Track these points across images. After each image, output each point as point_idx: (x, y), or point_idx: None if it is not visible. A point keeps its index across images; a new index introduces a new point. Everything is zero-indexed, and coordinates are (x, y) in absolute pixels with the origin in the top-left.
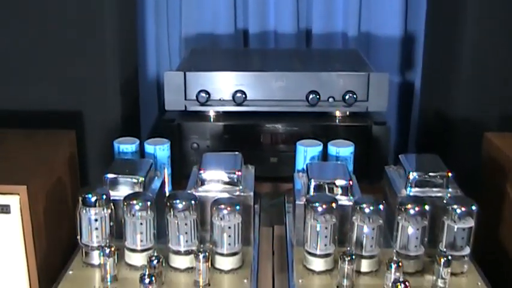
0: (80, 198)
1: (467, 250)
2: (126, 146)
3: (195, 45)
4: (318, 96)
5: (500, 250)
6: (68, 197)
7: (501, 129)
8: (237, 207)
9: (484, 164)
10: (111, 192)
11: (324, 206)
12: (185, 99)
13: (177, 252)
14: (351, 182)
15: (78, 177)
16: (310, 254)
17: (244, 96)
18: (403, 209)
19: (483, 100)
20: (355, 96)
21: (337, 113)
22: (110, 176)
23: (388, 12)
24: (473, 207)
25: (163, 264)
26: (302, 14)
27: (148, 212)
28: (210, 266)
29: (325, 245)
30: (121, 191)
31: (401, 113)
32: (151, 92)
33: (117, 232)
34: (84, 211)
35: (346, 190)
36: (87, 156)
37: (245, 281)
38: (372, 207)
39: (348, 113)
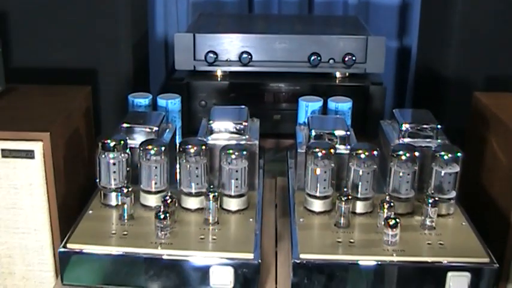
0: (100, 144)
1: (453, 194)
2: (140, 100)
3: (202, 10)
4: (319, 58)
5: (483, 193)
6: (84, 146)
7: (488, 88)
8: (243, 153)
9: (472, 119)
10: (130, 142)
11: (323, 152)
12: (194, 59)
13: (189, 194)
14: (348, 133)
15: (93, 128)
16: (310, 196)
17: (250, 57)
18: (395, 155)
19: (472, 62)
20: (354, 58)
21: (338, 74)
22: (126, 125)
23: None
24: (459, 154)
25: (176, 205)
26: None
27: (162, 157)
28: (218, 206)
29: (324, 188)
30: (136, 140)
31: (399, 75)
32: (160, 52)
33: (132, 177)
34: (103, 155)
35: (344, 140)
36: (102, 110)
37: (251, 219)
38: (366, 153)
39: (347, 74)
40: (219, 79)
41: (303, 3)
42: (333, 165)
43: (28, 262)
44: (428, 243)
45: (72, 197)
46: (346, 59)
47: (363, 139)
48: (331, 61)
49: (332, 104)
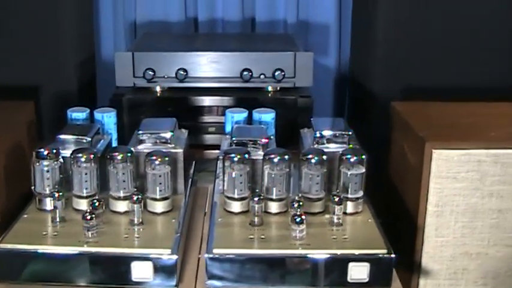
0: (34, 153)
1: (360, 193)
2: (78, 114)
3: (148, 31)
4: (250, 73)
5: (398, 195)
6: (26, 158)
7: (406, 98)
8: (166, 159)
9: (390, 127)
10: (63, 151)
11: (238, 157)
12: (133, 76)
13: (117, 198)
14: (267, 140)
15: (36, 140)
16: (228, 198)
17: (185, 73)
18: (305, 159)
19: (393, 74)
20: (283, 73)
21: (270, 88)
22: (61, 136)
23: (325, 0)
24: (363, 157)
25: (104, 208)
26: (247, 2)
27: (92, 164)
28: (142, 208)
29: (241, 190)
30: (71, 150)
31: (338, 89)
32: (110, 71)
33: (67, 184)
34: (37, 163)
35: (264, 147)
36: (45, 125)
37: (173, 220)
38: (279, 157)
39: (278, 88)
40: (158, 95)
41: (246, 23)
42: (248, 168)
43: None
44: (334, 238)
45: (15, 207)
46: (276, 74)
47: (290, 147)
48: (261, 76)
49: (256, 115)
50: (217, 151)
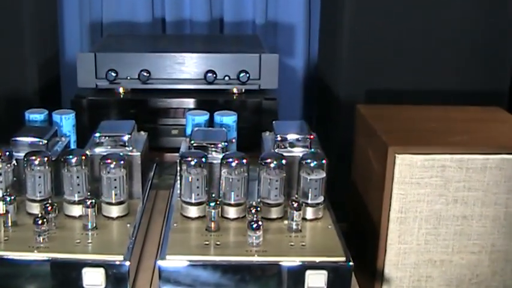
0: None
1: (321, 198)
2: (36, 115)
3: (111, 32)
4: (214, 75)
5: (361, 200)
6: None
7: (371, 102)
8: (121, 162)
9: (355, 130)
10: (17, 154)
11: (195, 160)
12: (96, 77)
13: (72, 202)
14: (226, 143)
15: None
16: (185, 202)
17: (148, 75)
18: (263, 163)
19: (358, 77)
20: (248, 75)
21: (234, 90)
22: (16, 138)
23: (293, 2)
24: (324, 161)
25: (58, 212)
26: (215, 3)
27: (46, 167)
28: (96, 212)
29: (198, 195)
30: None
31: (306, 92)
32: (72, 72)
33: (20, 187)
34: None
35: (224, 150)
36: (3, 125)
37: (128, 225)
38: (236, 161)
39: (243, 90)
40: (121, 96)
41: (214, 24)
42: (205, 172)
43: None
44: (291, 245)
45: None
46: (241, 75)
47: (253, 151)
48: (226, 78)
49: (217, 118)
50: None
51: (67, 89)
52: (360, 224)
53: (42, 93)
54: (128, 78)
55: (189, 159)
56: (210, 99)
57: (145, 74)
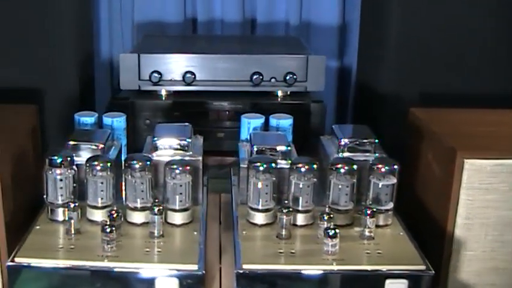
0: (47, 160)
1: (390, 205)
2: (86, 118)
3: (147, 32)
4: (261, 77)
5: (419, 205)
6: (30, 163)
7: (421, 104)
8: (187, 168)
9: (408, 134)
10: (76, 159)
11: (264, 166)
12: (139, 79)
13: (134, 209)
14: (289, 148)
15: (39, 146)
16: (252, 209)
17: (193, 76)
18: (334, 169)
19: (406, 79)
20: (295, 77)
21: (279, 93)
22: (72, 142)
23: (327, 2)
24: (395, 167)
25: (122, 219)
26: (247, 3)
27: (108, 173)
28: (163, 220)
29: (266, 201)
30: (82, 157)
31: (340, 93)
32: (105, 72)
33: (79, 194)
34: (50, 172)
35: (285, 155)
36: (48, 128)
37: (195, 233)
38: (306, 166)
39: (288, 93)
40: (163, 98)
41: (246, 25)
42: (273, 178)
43: None
44: (367, 253)
45: (19, 214)
46: (287, 77)
47: (305, 154)
48: (272, 80)
49: (273, 121)
50: (228, 157)
51: (98, 91)
52: (416, 230)
53: (81, 95)
54: (172, 79)
55: (258, 164)
56: (256, 102)
57: (190, 75)
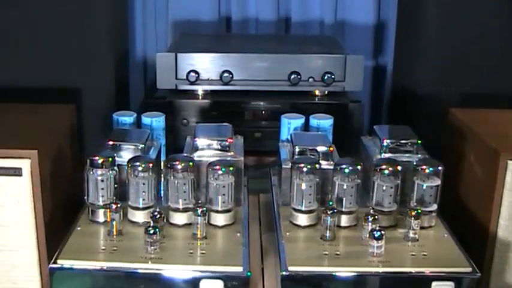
0: (88, 161)
1: (434, 206)
2: (125, 118)
3: (181, 30)
4: (299, 77)
5: (461, 206)
6: (68, 163)
7: (461, 105)
8: (230, 169)
9: (448, 135)
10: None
11: (308, 167)
12: (176, 78)
13: (176, 210)
14: (331, 148)
15: (77, 145)
16: (296, 210)
17: (231, 76)
18: (378, 170)
19: (445, 79)
20: (333, 76)
21: (317, 92)
22: (112, 143)
23: (362, 1)
24: (440, 168)
25: (164, 221)
26: (282, 1)
27: (150, 173)
28: (206, 221)
29: (309, 202)
30: (122, 157)
31: (375, 92)
32: (138, 71)
33: (120, 194)
34: (91, 172)
35: (326, 155)
36: (84, 128)
37: (238, 234)
38: (350, 167)
39: (326, 92)
40: (200, 98)
41: (280, 23)
42: (317, 179)
43: (15, 280)
44: (412, 254)
45: (57, 214)
46: (325, 77)
47: (344, 155)
48: (310, 79)
49: (314, 121)
50: (265, 157)
51: (131, 90)
52: (458, 231)
53: (117, 93)
54: (209, 79)
55: (302, 165)
56: (294, 102)
57: (227, 75)
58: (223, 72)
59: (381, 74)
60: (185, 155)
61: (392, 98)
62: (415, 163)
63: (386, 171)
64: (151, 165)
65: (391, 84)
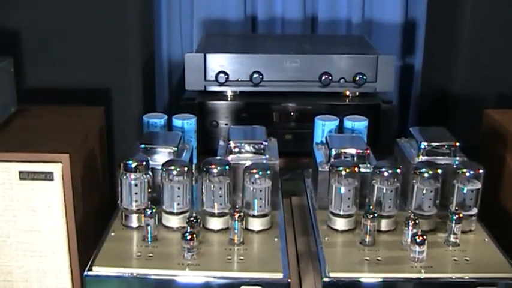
0: (121, 164)
1: (475, 210)
2: (155, 120)
3: (207, 30)
4: (330, 77)
5: (501, 210)
6: (98, 166)
7: (496, 105)
8: (267, 172)
9: (484, 136)
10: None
11: (347, 170)
12: (205, 79)
13: (212, 215)
14: (368, 151)
15: (106, 148)
16: (334, 214)
17: (261, 77)
18: (418, 173)
19: (479, 79)
20: (364, 77)
21: (347, 93)
22: (145, 146)
23: (390, 0)
24: (480, 171)
25: (200, 226)
26: (308, 1)
27: (185, 177)
28: (244, 226)
29: (348, 207)
30: (155, 161)
31: (402, 92)
32: (164, 72)
33: (154, 198)
34: (124, 176)
35: (363, 158)
36: (114, 129)
37: (275, 239)
38: (390, 171)
39: (357, 93)
40: (229, 99)
41: (306, 23)
42: (356, 183)
43: (46, 286)
44: (455, 259)
45: (89, 219)
46: (357, 78)
47: (378, 157)
48: (341, 80)
49: (348, 123)
50: (296, 159)
51: (158, 90)
52: (498, 235)
53: (145, 95)
54: (239, 80)
55: (341, 168)
56: (325, 103)
57: (257, 75)
58: (253, 73)
59: (408, 74)
60: (221, 158)
61: (421, 98)
62: (455, 166)
63: (426, 175)
64: (186, 169)
65: (420, 84)
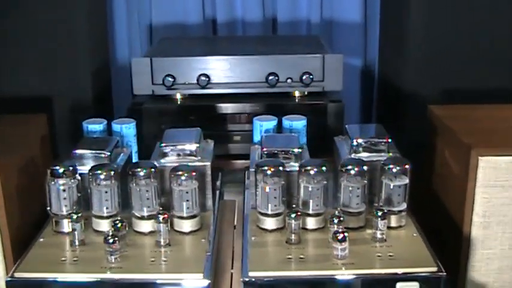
0: (49, 171)
1: (403, 206)
2: (94, 126)
3: (164, 35)
4: (277, 78)
5: (438, 204)
6: (40, 174)
7: (445, 101)
8: (193, 174)
9: (428, 131)
10: (80, 167)
11: (272, 169)
12: (152, 83)
13: (141, 217)
14: (300, 150)
15: (51, 156)
16: (262, 214)
17: (207, 79)
18: (344, 170)
19: (429, 76)
20: (311, 76)
21: (296, 93)
22: (78, 151)
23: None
24: (407, 166)
25: (127, 228)
26: (268, 2)
27: (112, 181)
28: (169, 227)
29: (275, 205)
30: (89, 166)
31: (364, 91)
32: (125, 78)
33: (85, 203)
34: (52, 182)
35: (297, 157)
36: (59, 137)
37: (203, 240)
38: (316, 169)
39: (306, 93)
40: (178, 102)
41: (267, 24)
42: (282, 182)
43: None
44: (378, 255)
45: (28, 227)
46: (304, 77)
47: (321, 156)
48: (288, 80)
49: (286, 123)
50: (243, 161)
51: (117, 97)
52: (435, 228)
53: (96, 102)
54: (186, 83)
55: (265, 168)
56: (272, 103)
57: (204, 78)
58: (200, 75)
59: (368, 73)
60: (148, 161)
61: (379, 96)
62: (382, 162)
63: (352, 172)
64: (113, 173)
65: (378, 82)
